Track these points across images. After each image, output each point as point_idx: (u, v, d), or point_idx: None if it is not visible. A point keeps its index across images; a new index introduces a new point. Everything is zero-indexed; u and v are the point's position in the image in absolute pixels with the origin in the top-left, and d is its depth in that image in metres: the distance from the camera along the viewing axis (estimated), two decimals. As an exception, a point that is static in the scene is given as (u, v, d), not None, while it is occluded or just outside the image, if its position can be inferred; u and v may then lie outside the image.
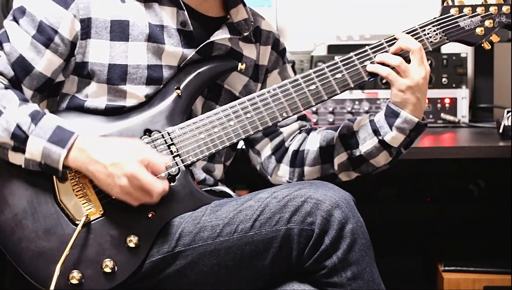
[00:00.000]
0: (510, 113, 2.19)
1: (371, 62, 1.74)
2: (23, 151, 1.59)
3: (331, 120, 2.51)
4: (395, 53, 1.73)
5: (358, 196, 1.65)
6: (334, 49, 2.68)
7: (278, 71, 1.95)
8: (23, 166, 1.60)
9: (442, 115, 2.54)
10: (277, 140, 1.92)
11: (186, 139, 1.69)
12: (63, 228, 1.62)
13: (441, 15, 1.79)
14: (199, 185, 1.74)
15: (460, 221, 2.75)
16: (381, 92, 2.52)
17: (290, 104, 1.72)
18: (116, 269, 1.61)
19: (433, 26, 1.77)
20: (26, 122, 1.59)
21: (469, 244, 2.52)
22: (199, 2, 1.79)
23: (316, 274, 1.59)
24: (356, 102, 2.52)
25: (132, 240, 1.61)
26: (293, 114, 1.73)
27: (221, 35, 1.77)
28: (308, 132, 1.93)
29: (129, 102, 1.71)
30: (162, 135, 1.68)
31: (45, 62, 1.67)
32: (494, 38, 1.80)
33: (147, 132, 1.69)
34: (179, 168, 1.67)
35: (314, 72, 1.73)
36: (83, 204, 1.63)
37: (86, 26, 1.68)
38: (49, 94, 1.75)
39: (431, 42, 1.77)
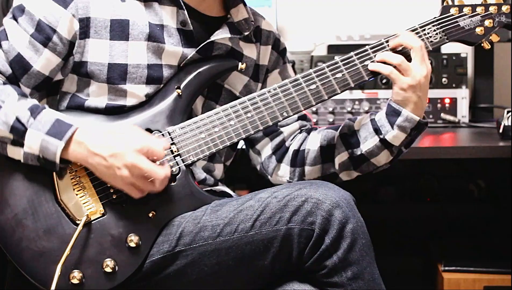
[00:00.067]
0: (510, 113, 2.19)
1: (371, 62, 1.74)
2: (22, 145, 1.59)
3: (331, 120, 2.51)
4: (394, 48, 1.73)
5: (359, 196, 1.65)
6: (334, 49, 2.68)
7: (279, 71, 1.95)
8: (22, 160, 1.60)
9: (442, 115, 2.54)
10: (277, 140, 1.92)
11: (187, 138, 1.69)
12: (63, 228, 1.62)
13: (441, 15, 1.79)
14: (199, 185, 1.74)
15: (460, 221, 2.75)
16: (381, 92, 2.52)
17: (291, 103, 1.72)
18: (116, 269, 1.61)
19: (433, 25, 1.77)
20: (25, 115, 1.59)
21: (469, 244, 2.51)
22: (198, 2, 1.79)
23: (316, 274, 1.59)
24: (356, 102, 2.52)
25: (133, 240, 1.61)
26: (294, 114, 1.73)
27: (221, 35, 1.77)
28: (308, 131, 1.93)
29: (129, 102, 1.71)
30: (162, 134, 1.68)
31: (43, 61, 1.67)
32: (494, 37, 1.80)
33: (148, 131, 1.68)
34: (179, 167, 1.67)
35: (315, 72, 1.73)
36: (83, 203, 1.63)
37: (85, 26, 1.68)
38: (49, 92, 1.75)
39: (431, 41, 1.77)
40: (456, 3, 1.79)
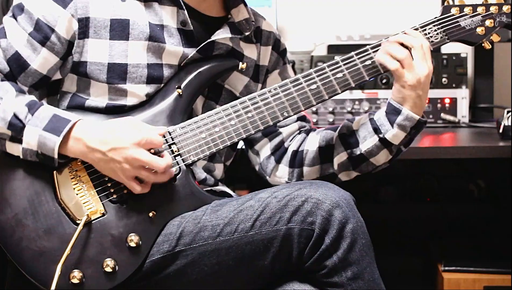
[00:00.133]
0: (510, 113, 2.19)
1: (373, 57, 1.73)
2: (21, 141, 1.59)
3: (331, 120, 2.51)
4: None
5: (359, 196, 1.65)
6: (334, 49, 2.68)
7: (279, 72, 1.95)
8: (21, 156, 1.61)
9: (442, 115, 2.54)
10: (276, 140, 1.92)
11: (187, 138, 1.69)
12: (64, 227, 1.61)
13: (441, 15, 1.78)
14: (200, 185, 1.74)
15: (460, 221, 2.75)
16: (381, 92, 2.52)
17: (291, 103, 1.72)
18: (117, 269, 1.61)
19: (434, 25, 1.77)
20: (23, 111, 1.59)
21: (469, 244, 2.51)
22: (198, 2, 1.79)
23: (316, 274, 1.58)
24: (356, 102, 2.52)
25: (133, 240, 1.61)
26: (294, 114, 1.73)
27: (222, 35, 1.77)
28: (307, 132, 1.93)
29: (130, 101, 1.71)
30: (163, 134, 1.68)
31: (40, 60, 1.68)
32: (495, 37, 1.80)
33: (148, 131, 1.68)
34: (180, 167, 1.67)
35: (315, 72, 1.73)
36: (84, 203, 1.63)
37: (84, 26, 1.68)
38: (49, 92, 1.75)
39: (432, 41, 1.77)
40: (456, 3, 1.79)
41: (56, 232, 1.61)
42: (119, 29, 1.70)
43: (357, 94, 2.52)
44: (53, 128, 1.59)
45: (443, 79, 2.55)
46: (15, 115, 1.59)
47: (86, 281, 1.61)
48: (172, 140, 1.68)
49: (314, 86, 1.73)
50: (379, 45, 1.74)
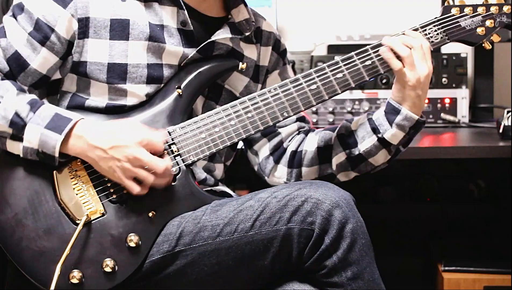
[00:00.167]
0: (510, 113, 2.19)
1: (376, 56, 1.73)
2: (21, 140, 1.59)
3: (331, 120, 2.51)
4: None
5: (358, 196, 1.65)
6: (334, 49, 2.68)
7: (278, 72, 1.95)
8: (21, 155, 1.61)
9: (442, 115, 2.54)
10: (275, 141, 1.92)
11: (187, 138, 1.69)
12: (63, 227, 1.61)
13: (442, 15, 1.78)
14: (200, 185, 1.74)
15: (460, 221, 2.75)
16: (381, 92, 2.52)
17: (291, 103, 1.72)
18: (116, 269, 1.61)
19: (434, 26, 1.77)
20: (25, 109, 1.59)
21: (469, 244, 2.51)
22: (198, 2, 1.79)
23: (316, 274, 1.58)
24: (356, 102, 2.52)
25: (133, 240, 1.61)
26: (294, 114, 1.73)
27: (222, 35, 1.77)
28: (306, 133, 1.93)
29: (130, 101, 1.71)
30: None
31: (40, 60, 1.68)
32: (495, 38, 1.80)
33: (148, 132, 1.68)
34: (179, 167, 1.67)
35: (315, 72, 1.73)
36: (83, 203, 1.63)
37: (84, 26, 1.68)
38: (49, 92, 1.75)
39: (432, 42, 1.77)
40: (457, 3, 1.79)
41: (55, 232, 1.61)
42: (119, 29, 1.69)
43: (357, 94, 2.52)
44: (54, 127, 1.59)
45: (443, 79, 2.55)
46: (16, 113, 1.59)
47: (86, 281, 1.61)
48: (172, 140, 1.68)
49: (314, 86, 1.73)
50: (379, 45, 1.74)
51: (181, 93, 1.72)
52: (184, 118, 1.71)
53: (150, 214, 1.64)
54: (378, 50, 1.74)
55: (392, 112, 1.74)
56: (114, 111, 1.70)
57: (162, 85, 1.73)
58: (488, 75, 2.70)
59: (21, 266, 1.62)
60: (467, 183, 2.80)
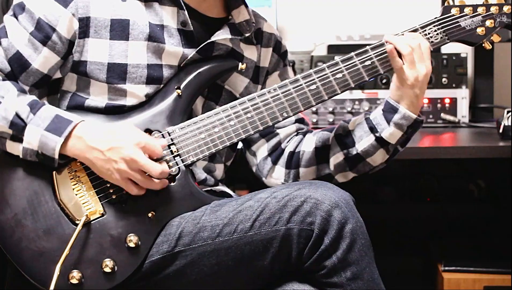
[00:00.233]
0: (510, 113, 2.19)
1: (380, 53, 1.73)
2: (21, 141, 1.60)
3: (331, 120, 2.51)
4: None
5: (358, 196, 1.65)
6: (334, 49, 2.68)
7: (278, 73, 1.95)
8: (21, 156, 1.61)
9: (442, 115, 2.53)
10: (273, 141, 1.92)
11: (187, 139, 1.69)
12: (63, 228, 1.61)
13: (442, 15, 1.78)
14: (200, 185, 1.74)
15: (460, 221, 2.75)
16: (381, 92, 2.52)
17: (291, 104, 1.72)
18: (116, 269, 1.61)
19: (434, 26, 1.77)
20: (25, 111, 1.59)
21: (469, 244, 2.51)
22: (198, 2, 1.79)
23: (315, 274, 1.58)
24: (356, 102, 2.52)
25: (132, 240, 1.61)
26: (294, 114, 1.73)
27: (222, 35, 1.76)
28: (304, 134, 1.93)
29: (129, 101, 1.71)
30: (162, 135, 1.68)
31: (41, 59, 1.68)
32: (495, 38, 1.80)
33: (147, 131, 1.68)
34: (179, 168, 1.67)
35: (315, 72, 1.73)
36: (83, 203, 1.63)
37: (84, 25, 1.68)
38: (49, 91, 1.75)
39: (432, 42, 1.77)
40: (457, 3, 1.79)
41: (55, 232, 1.61)
42: (119, 29, 1.69)
43: (357, 94, 2.51)
44: (55, 128, 1.59)
45: (443, 79, 2.55)
46: (17, 114, 1.59)
47: (85, 282, 1.61)
48: (172, 140, 1.68)
49: (313, 87, 1.73)
50: (379, 45, 1.74)
51: (180, 94, 1.72)
52: (183, 118, 1.71)
53: (150, 215, 1.64)
54: (378, 51, 1.74)
55: (390, 110, 1.74)
56: (114, 111, 1.70)
57: (162, 85, 1.73)
58: (488, 75, 2.70)
59: (21, 266, 1.62)
60: (467, 183, 2.80)
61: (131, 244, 1.61)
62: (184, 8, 1.74)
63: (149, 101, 1.72)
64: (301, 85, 1.72)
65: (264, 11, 2.17)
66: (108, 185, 1.64)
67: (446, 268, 2.28)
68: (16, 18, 1.68)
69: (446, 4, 1.80)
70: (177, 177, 1.67)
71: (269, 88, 1.72)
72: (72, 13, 1.67)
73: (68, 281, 1.60)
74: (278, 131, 1.92)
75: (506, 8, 1.79)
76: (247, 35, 1.82)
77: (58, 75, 1.72)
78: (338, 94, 1.74)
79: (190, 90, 1.73)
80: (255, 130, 1.71)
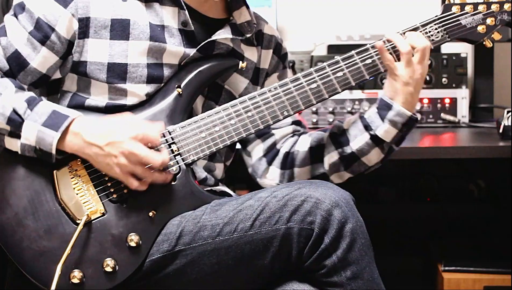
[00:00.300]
0: (510, 113, 2.19)
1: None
2: (19, 137, 1.60)
3: (331, 120, 2.51)
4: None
5: (358, 196, 1.65)
6: (334, 49, 2.68)
7: (277, 75, 1.95)
8: (19, 152, 1.61)
9: (442, 115, 2.53)
10: (269, 142, 1.92)
11: (187, 138, 1.69)
12: (64, 227, 1.61)
13: (442, 13, 1.78)
14: (200, 185, 1.74)
15: (460, 221, 2.75)
16: (381, 92, 2.50)
17: (291, 102, 1.72)
18: (117, 268, 1.61)
19: (435, 24, 1.77)
20: (22, 107, 1.60)
21: (469, 244, 2.51)
22: (199, 3, 1.79)
23: (315, 274, 1.58)
24: (356, 102, 2.52)
25: (133, 239, 1.61)
26: (294, 113, 1.73)
27: (223, 35, 1.76)
28: (300, 135, 1.93)
29: (130, 101, 1.71)
30: (163, 134, 1.68)
31: (40, 59, 1.68)
32: (496, 36, 1.80)
33: (147, 131, 1.68)
34: (180, 166, 1.67)
35: (316, 71, 1.73)
36: (84, 203, 1.63)
37: (84, 26, 1.68)
38: (49, 91, 1.75)
39: (433, 40, 1.77)
40: (457, 1, 1.79)
41: (56, 232, 1.61)
42: (120, 29, 1.70)
43: (357, 94, 2.51)
44: (51, 124, 1.59)
45: (443, 79, 2.55)
46: (14, 111, 1.59)
47: (86, 281, 1.60)
48: (172, 139, 1.68)
49: (314, 85, 1.73)
50: (380, 45, 1.74)
51: (181, 92, 1.72)
52: (184, 117, 1.71)
53: (151, 214, 1.64)
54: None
55: (384, 107, 1.74)
56: (114, 110, 1.70)
57: (162, 84, 1.73)
58: (488, 75, 2.70)
59: (22, 266, 1.62)
60: (467, 183, 2.80)
61: (132, 244, 1.61)
62: (185, 8, 1.74)
63: (149, 100, 1.72)
64: (301, 83, 1.72)
65: (264, 11, 2.17)
66: (109, 184, 1.64)
67: (446, 268, 2.28)
68: (16, 17, 1.69)
69: (446, 2, 1.79)
70: (177, 176, 1.67)
71: (270, 87, 1.72)
72: (72, 13, 1.67)
73: (69, 280, 1.60)
74: (273, 131, 1.92)
75: (507, 6, 1.78)
76: (248, 35, 1.82)
77: (57, 75, 1.72)
78: (338, 92, 1.74)
79: (191, 88, 1.73)
80: (256, 129, 1.71)
